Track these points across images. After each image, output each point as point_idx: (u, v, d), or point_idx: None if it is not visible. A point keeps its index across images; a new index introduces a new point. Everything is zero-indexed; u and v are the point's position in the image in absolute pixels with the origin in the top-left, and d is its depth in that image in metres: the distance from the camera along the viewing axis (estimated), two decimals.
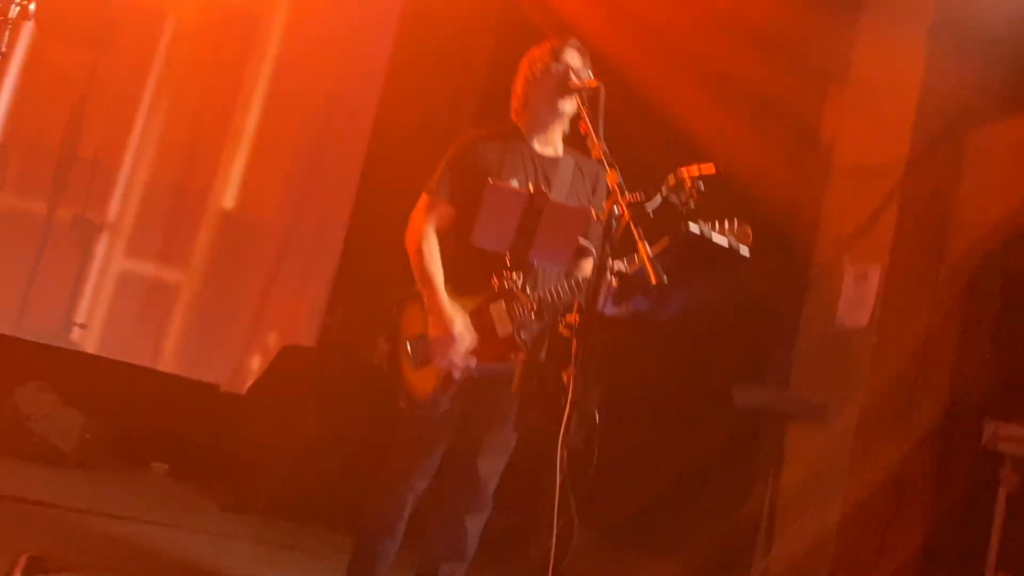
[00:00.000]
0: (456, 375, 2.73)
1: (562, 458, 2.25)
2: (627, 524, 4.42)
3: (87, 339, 4.99)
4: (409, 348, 2.81)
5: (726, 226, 2.58)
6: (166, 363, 5.20)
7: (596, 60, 3.11)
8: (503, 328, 2.76)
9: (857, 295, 4.49)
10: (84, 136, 4.95)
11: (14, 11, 2.20)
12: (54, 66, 4.88)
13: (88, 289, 4.96)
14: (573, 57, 2.92)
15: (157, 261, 5.19)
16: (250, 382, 5.13)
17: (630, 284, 2.40)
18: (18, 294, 4.83)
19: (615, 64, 4.49)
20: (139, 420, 4.85)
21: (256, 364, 5.29)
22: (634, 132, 4.48)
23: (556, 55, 2.93)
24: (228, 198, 5.26)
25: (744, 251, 2.42)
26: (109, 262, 5.05)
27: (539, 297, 2.72)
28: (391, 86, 5.57)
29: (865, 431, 4.31)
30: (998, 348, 4.66)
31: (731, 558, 4.35)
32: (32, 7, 2.34)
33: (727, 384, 3.70)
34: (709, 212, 2.73)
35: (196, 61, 5.11)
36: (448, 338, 2.76)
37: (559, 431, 2.26)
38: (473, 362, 2.75)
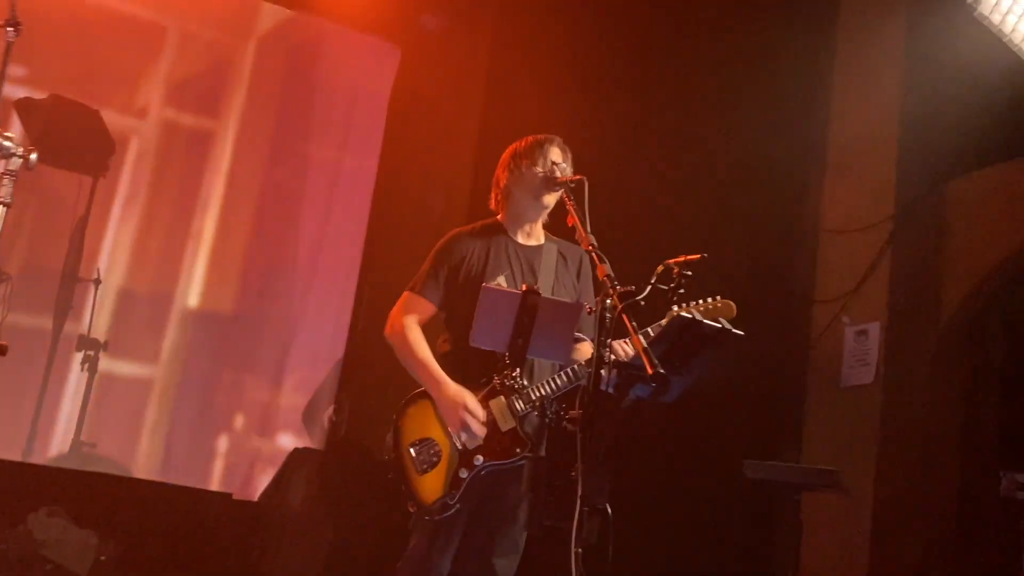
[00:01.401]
0: (464, 476, 2.74)
1: (577, 555, 2.24)
2: None
3: (95, 458, 4.98)
4: (413, 453, 2.82)
5: (710, 303, 2.63)
6: (177, 475, 5.17)
7: (577, 153, 3.21)
8: (505, 423, 2.78)
9: (859, 353, 4.51)
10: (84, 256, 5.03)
11: (16, 163, 2.27)
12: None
13: (92, 407, 4.96)
14: (556, 153, 3.00)
15: (158, 372, 5.20)
16: (261, 488, 5.09)
17: (629, 373, 2.42)
18: (26, 418, 4.84)
19: (597, 156, 4.64)
20: (153, 535, 4.80)
21: (267, 469, 5.27)
22: (621, 221, 4.60)
23: (542, 150, 3.01)
24: (219, 301, 5.32)
25: (737, 332, 2.45)
26: (112, 380, 5.06)
27: (538, 389, 2.75)
28: (384, 174, 5.71)
29: (884, 491, 4.27)
30: (1006, 396, 4.66)
31: None
32: (34, 157, 2.42)
33: (740, 460, 3.69)
34: (703, 290, 2.80)
35: (157, 176, 5.24)
36: (461, 412, 2.77)
37: (571, 528, 2.25)
38: (479, 459, 2.76)
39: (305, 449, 5.17)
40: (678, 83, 5.06)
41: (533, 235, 3.07)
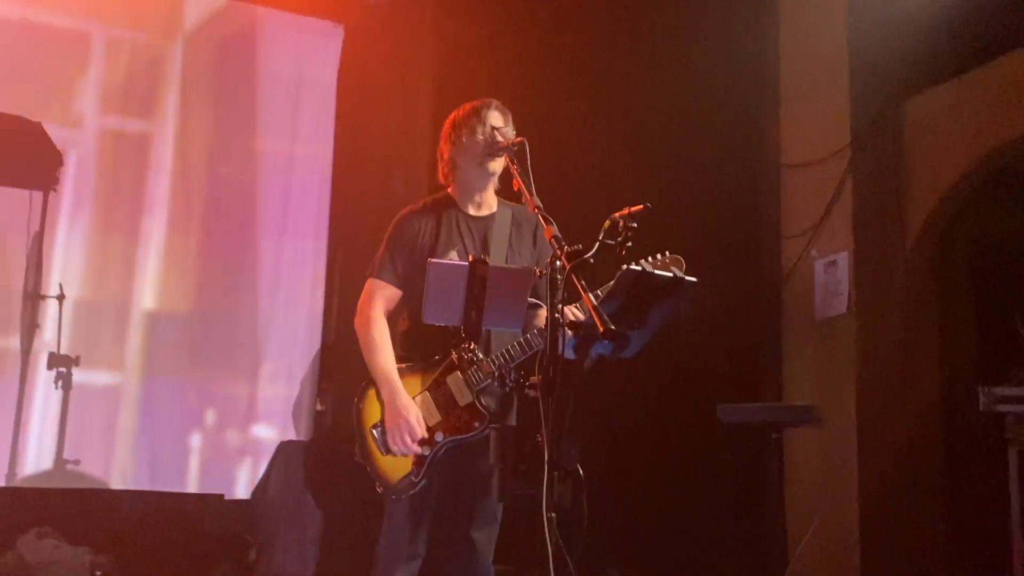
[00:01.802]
0: (424, 452, 2.73)
1: (550, 521, 2.22)
2: (647, 561, 4.36)
3: (80, 474, 4.94)
4: (375, 435, 2.81)
5: (659, 259, 2.61)
6: (166, 482, 5.14)
7: (527, 113, 3.15)
8: (463, 397, 2.76)
9: (831, 284, 4.50)
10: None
11: None
12: None
13: (71, 424, 4.91)
14: (496, 117, 2.94)
15: (132, 380, 5.15)
16: (252, 486, 5.08)
17: (587, 332, 2.39)
18: (5, 442, 4.79)
19: (548, 114, 4.58)
20: (149, 545, 4.78)
21: (256, 465, 5.24)
22: (575, 178, 4.57)
23: (480, 117, 2.95)
24: (184, 302, 5.27)
25: (689, 278, 2.42)
26: (87, 393, 5.01)
27: (494, 360, 2.73)
28: (340, 158, 5.63)
29: (866, 420, 4.29)
30: (979, 310, 4.67)
31: (764, 565, 4.29)
32: None
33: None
34: (667, 240, 2.78)
35: (103, 183, 5.16)
36: (401, 424, 2.77)
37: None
38: (440, 436, 2.75)
39: (292, 441, 5.15)
40: (623, 30, 5.00)
41: (484, 204, 3.02)
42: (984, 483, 4.20)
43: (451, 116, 3.04)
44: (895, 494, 4.30)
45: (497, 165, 2.92)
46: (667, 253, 2.70)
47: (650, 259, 2.66)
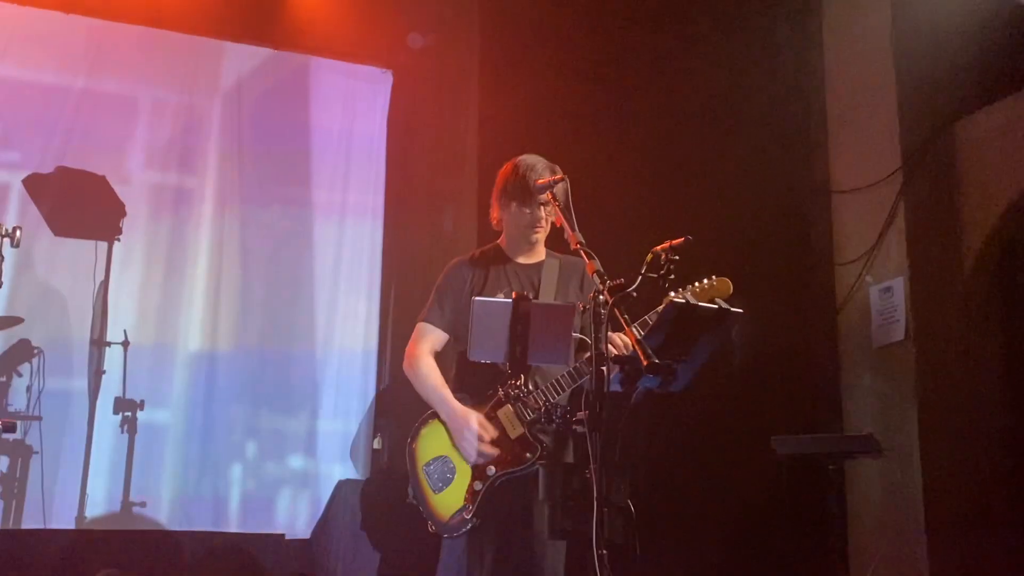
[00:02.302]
0: (479, 488, 2.74)
1: (601, 558, 2.21)
2: None
3: (146, 516, 5.05)
4: (428, 473, 2.84)
5: (705, 283, 2.61)
6: (230, 523, 5.23)
7: (565, 147, 3.20)
8: (514, 430, 2.79)
9: (887, 311, 4.41)
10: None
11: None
12: None
13: (137, 466, 5.03)
14: (535, 162, 3.01)
15: (195, 423, 5.26)
16: (312, 525, 5.13)
17: (632, 366, 2.38)
18: (74, 486, 4.93)
19: (597, 150, 4.61)
20: None
21: (315, 505, 5.30)
22: (629, 213, 4.58)
23: (517, 166, 3.04)
24: (246, 345, 5.38)
25: (735, 310, 2.41)
26: (153, 436, 5.14)
27: (543, 394, 2.74)
28: (391, 200, 5.74)
29: (930, 449, 4.17)
30: None
31: None
32: (19, 234, 2.48)
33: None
34: (717, 273, 2.77)
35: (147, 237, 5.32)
36: (466, 433, 2.81)
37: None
38: (492, 470, 2.76)
39: (350, 481, 5.20)
40: (665, 63, 5.01)
41: (532, 252, 3.12)
42: None
43: (501, 175, 3.13)
44: (965, 526, 4.15)
45: (539, 211, 2.99)
46: (713, 277, 2.68)
47: (696, 284, 2.65)
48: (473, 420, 2.82)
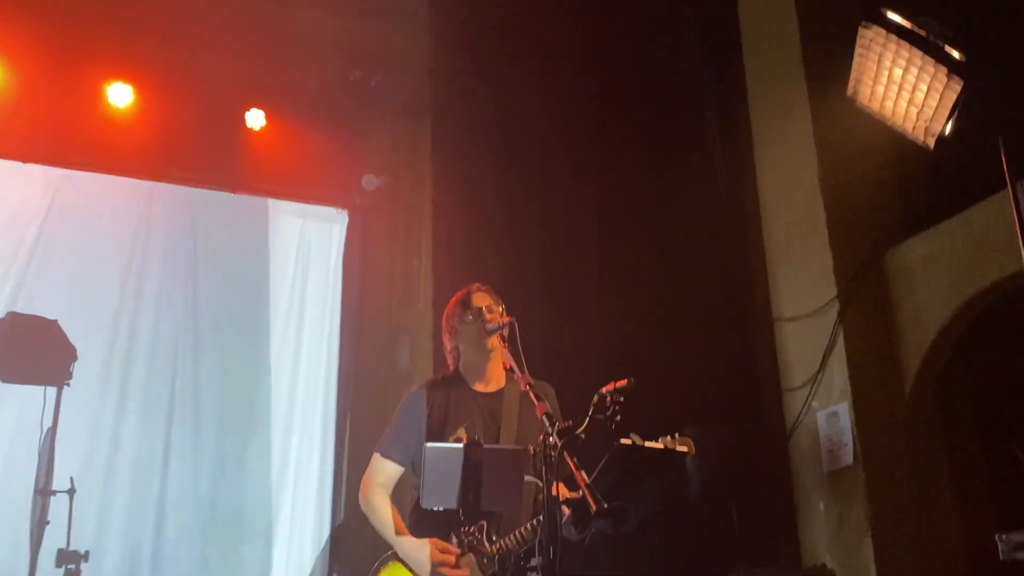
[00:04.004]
0: None
1: None
2: None
3: None
4: None
5: (668, 440, 2.66)
6: None
7: (513, 285, 3.32)
8: None
9: (835, 435, 4.49)
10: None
11: None
12: None
13: None
14: (481, 298, 3.11)
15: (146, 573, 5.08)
16: None
17: (585, 509, 2.41)
18: None
19: (535, 285, 4.75)
20: None
21: None
22: (580, 347, 4.68)
23: (467, 303, 3.14)
24: (193, 490, 5.28)
25: (680, 449, 2.47)
26: None
27: (502, 545, 2.74)
28: (347, 335, 5.78)
29: (885, 570, 4.17)
30: (988, 453, 4.63)
31: None
32: None
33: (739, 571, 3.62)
34: (673, 408, 2.83)
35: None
36: (423, 558, 2.81)
37: None
38: None
39: None
40: (615, 206, 5.24)
41: (492, 380, 3.17)
42: None
43: (446, 311, 3.26)
44: None
45: (494, 342, 3.06)
46: (676, 435, 2.72)
47: (660, 440, 2.68)
48: (428, 552, 2.83)
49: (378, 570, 2.95)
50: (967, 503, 4.47)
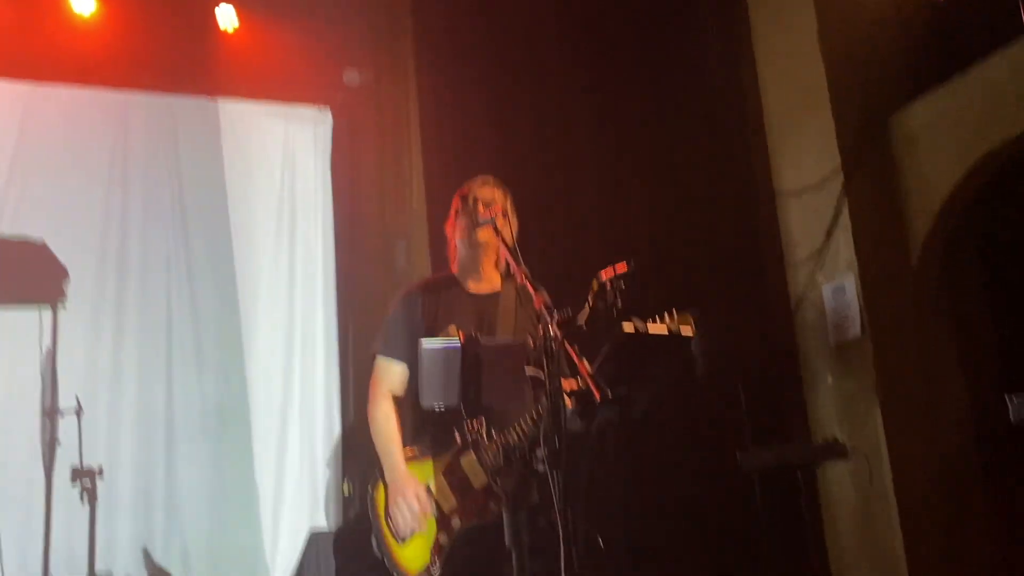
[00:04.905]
0: (444, 542, 2.67)
1: None
2: None
3: None
4: (390, 525, 2.76)
5: (666, 319, 2.57)
6: None
7: (506, 173, 3.19)
8: (478, 480, 2.71)
9: (841, 308, 4.43)
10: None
11: None
12: None
13: (100, 536, 4.88)
14: (484, 192, 2.99)
15: (158, 484, 5.12)
16: None
17: (589, 399, 2.35)
18: (36, 563, 4.77)
19: (529, 172, 4.61)
20: None
21: (288, 558, 5.18)
22: (567, 235, 4.58)
23: (466, 194, 3.02)
24: (198, 396, 5.25)
25: (686, 331, 2.39)
26: (114, 503, 4.98)
27: (505, 439, 2.68)
28: (341, 238, 5.68)
29: (896, 443, 4.18)
30: (997, 316, 4.58)
31: None
32: None
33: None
34: (675, 288, 2.74)
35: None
36: (400, 501, 2.75)
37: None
38: (457, 522, 2.69)
39: (323, 532, 5.09)
40: (604, 82, 5.03)
41: (485, 281, 3.06)
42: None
43: (453, 202, 3.13)
44: (936, 515, 4.17)
45: (483, 236, 2.95)
46: (674, 312, 2.64)
47: (657, 319, 2.60)
48: (410, 491, 2.75)
49: (380, 478, 2.88)
50: (975, 368, 4.45)
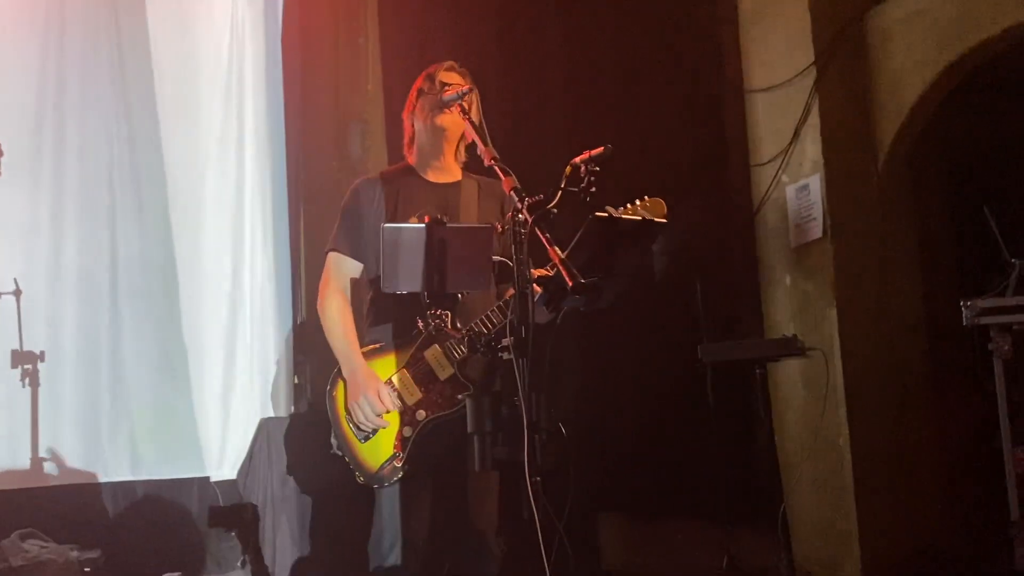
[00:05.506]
0: (408, 435, 2.63)
1: (535, 485, 2.14)
2: (647, 500, 4.34)
3: (58, 471, 4.83)
4: (350, 424, 2.71)
5: (638, 204, 2.50)
6: (148, 469, 5.03)
7: (468, 59, 3.04)
8: (443, 371, 2.66)
9: (804, 209, 4.40)
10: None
11: None
12: None
13: (43, 420, 4.78)
14: (448, 76, 2.85)
15: (103, 369, 4.99)
16: (237, 466, 4.99)
17: (557, 287, 2.28)
18: None
19: (491, 60, 4.42)
20: (138, 535, 4.70)
21: (239, 445, 5.14)
22: (529, 125, 4.44)
23: (431, 76, 2.89)
24: (151, 279, 5.09)
25: (658, 220, 2.32)
26: (57, 387, 4.86)
27: (471, 329, 2.62)
28: (292, 118, 5.46)
29: (849, 344, 4.23)
30: (956, 222, 4.61)
31: (759, 500, 4.26)
32: None
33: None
34: (636, 184, 2.67)
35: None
36: (360, 401, 2.68)
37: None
38: (422, 414, 2.65)
39: (273, 418, 5.05)
40: None
41: (445, 170, 2.94)
42: (972, 397, 4.18)
43: (414, 85, 2.98)
44: (883, 413, 4.28)
45: (447, 121, 2.83)
46: (645, 198, 2.57)
47: (628, 205, 2.54)
48: (372, 388, 2.66)
49: (338, 376, 2.78)
50: (933, 273, 4.49)
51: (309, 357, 5.28)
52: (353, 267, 2.87)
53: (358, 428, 2.68)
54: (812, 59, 4.34)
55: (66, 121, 5.03)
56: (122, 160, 5.11)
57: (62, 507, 4.63)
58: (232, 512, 4.75)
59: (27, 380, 4.84)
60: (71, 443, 4.89)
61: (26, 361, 4.84)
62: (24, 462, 4.78)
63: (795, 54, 4.42)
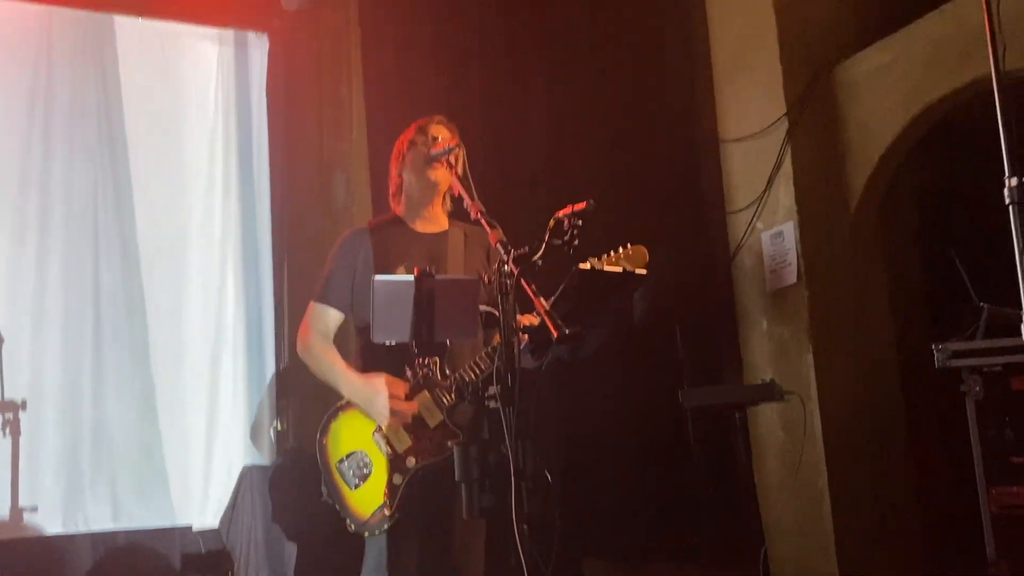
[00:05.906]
0: (398, 483, 2.67)
1: (522, 533, 2.18)
2: (632, 545, 4.36)
3: (39, 521, 4.78)
4: (340, 471, 2.74)
5: (621, 253, 2.58)
6: (130, 520, 4.99)
7: (464, 119, 3.13)
8: (433, 418, 2.70)
9: (779, 255, 4.51)
10: None
11: None
12: None
13: (24, 471, 4.74)
14: (438, 130, 2.93)
15: (86, 420, 4.97)
16: (219, 514, 4.96)
17: (542, 336, 2.35)
18: None
19: (473, 113, 4.52)
20: None
21: (222, 493, 5.12)
22: (513, 180, 4.53)
23: (423, 129, 2.96)
24: (130, 331, 5.10)
25: (639, 271, 2.40)
26: (38, 437, 4.84)
27: (459, 377, 2.67)
28: (277, 169, 5.52)
29: (826, 387, 4.32)
30: (926, 267, 4.72)
31: (741, 542, 4.30)
32: None
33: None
34: (617, 233, 2.75)
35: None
36: (381, 400, 2.71)
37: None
38: (412, 462, 2.68)
39: (256, 466, 5.04)
40: (551, 24, 4.95)
41: (433, 220, 3.01)
42: (946, 438, 4.25)
43: (400, 138, 3.06)
44: (860, 455, 4.35)
45: (438, 175, 2.90)
46: (628, 246, 2.65)
47: (612, 253, 2.62)
48: (380, 384, 2.71)
49: (328, 422, 2.82)
50: (904, 316, 4.60)
51: (292, 403, 5.29)
52: (334, 319, 2.93)
53: (351, 476, 2.72)
54: (784, 110, 4.49)
55: (53, 170, 5.08)
56: (107, 206, 5.15)
57: (43, 558, 4.59)
58: (207, 560, 4.73)
59: (7, 429, 4.80)
60: (52, 492, 4.85)
61: (7, 410, 4.81)
62: (3, 513, 4.74)
63: (768, 106, 4.57)
